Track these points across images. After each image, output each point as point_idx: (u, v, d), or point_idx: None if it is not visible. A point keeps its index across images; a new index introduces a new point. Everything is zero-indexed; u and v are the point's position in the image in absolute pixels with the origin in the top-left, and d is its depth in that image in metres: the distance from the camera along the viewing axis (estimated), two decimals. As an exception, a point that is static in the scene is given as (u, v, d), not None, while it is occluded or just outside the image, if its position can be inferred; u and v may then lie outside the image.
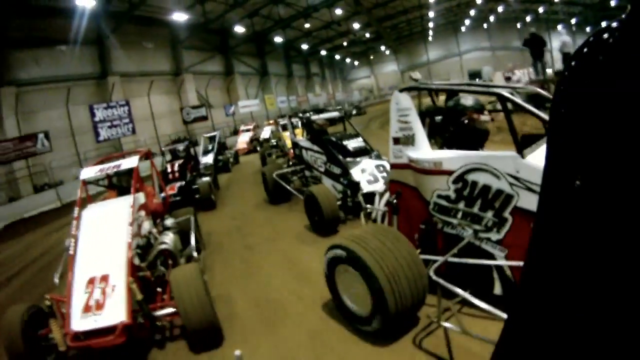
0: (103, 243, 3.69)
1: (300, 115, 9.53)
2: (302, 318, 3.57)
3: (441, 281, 2.61)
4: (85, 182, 4.71)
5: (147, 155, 5.75)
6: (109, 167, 4.77)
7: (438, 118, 3.87)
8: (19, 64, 18.13)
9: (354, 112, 35.03)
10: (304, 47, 41.88)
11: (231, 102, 31.11)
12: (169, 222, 5.01)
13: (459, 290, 2.49)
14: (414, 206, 3.42)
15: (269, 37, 34.99)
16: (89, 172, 4.73)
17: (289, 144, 10.41)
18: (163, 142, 21.28)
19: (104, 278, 3.36)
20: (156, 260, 4.15)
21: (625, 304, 0.53)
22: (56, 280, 3.95)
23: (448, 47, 49.11)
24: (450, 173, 2.97)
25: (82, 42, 19.99)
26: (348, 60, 57.63)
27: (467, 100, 3.34)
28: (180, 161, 9.84)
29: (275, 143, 13.74)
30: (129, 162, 4.76)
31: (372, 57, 56.40)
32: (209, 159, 13.37)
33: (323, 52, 47.08)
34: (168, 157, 10.73)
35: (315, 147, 7.18)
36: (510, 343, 0.74)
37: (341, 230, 5.62)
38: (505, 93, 2.66)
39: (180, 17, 22.75)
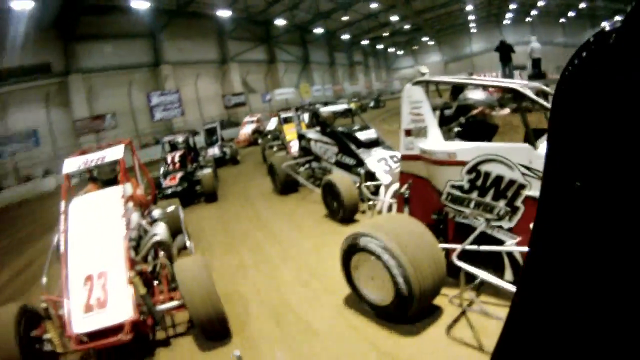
0: (96, 237, 3.46)
1: (307, 107, 9.65)
2: (315, 312, 3.40)
3: (465, 266, 2.66)
4: (69, 175, 4.31)
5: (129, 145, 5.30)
6: (94, 158, 4.40)
7: (447, 112, 3.87)
8: (85, 55, 21.60)
9: (372, 104, 33.45)
10: (346, 37, 43.18)
11: (273, 89, 33.37)
12: (156, 213, 4.81)
13: (483, 274, 2.54)
14: (426, 196, 3.44)
15: (310, 27, 36.83)
16: (72, 165, 4.36)
17: (288, 137, 10.33)
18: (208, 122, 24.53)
19: (103, 274, 3.18)
20: (149, 252, 3.98)
21: (626, 305, 0.52)
22: (43, 280, 3.62)
23: (492, 39, 48.18)
24: (464, 164, 2.99)
25: (138, 35, 23.59)
26: (392, 49, 58.21)
27: (477, 95, 3.48)
28: (181, 152, 9.71)
29: (277, 136, 13.14)
30: (114, 153, 4.42)
31: (415, 47, 56.74)
32: (215, 151, 13.01)
33: (365, 42, 48.21)
34: (167, 148, 10.61)
35: (325, 139, 7.19)
36: (510, 343, 0.74)
37: (361, 219, 5.44)
38: (520, 89, 2.73)
39: (223, 13, 25.73)
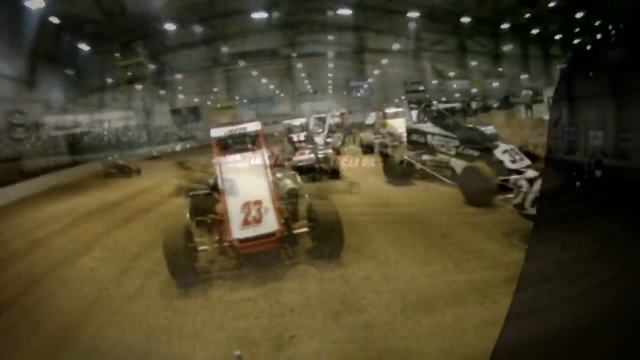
0: (250, 180, 4.60)
1: (425, 102, 10.08)
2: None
3: None
4: (218, 138, 5.44)
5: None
6: (237, 128, 5.40)
7: None
8: (303, 44, 29.16)
9: (496, 105, 28.95)
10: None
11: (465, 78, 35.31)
12: (279, 174, 5.71)
13: None
14: None
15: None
16: (219, 132, 5.47)
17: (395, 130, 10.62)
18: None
19: (258, 202, 4.27)
20: (284, 195, 4.87)
21: (625, 305, 1.12)
22: (188, 215, 4.74)
23: None
24: None
25: (345, 28, 30.12)
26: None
27: None
28: (304, 133, 10.88)
29: (380, 134, 12.61)
30: (253, 126, 5.47)
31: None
32: (319, 140, 12.40)
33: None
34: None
35: (444, 132, 7.75)
36: (510, 341, 1.01)
37: (498, 205, 5.92)
38: None
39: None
